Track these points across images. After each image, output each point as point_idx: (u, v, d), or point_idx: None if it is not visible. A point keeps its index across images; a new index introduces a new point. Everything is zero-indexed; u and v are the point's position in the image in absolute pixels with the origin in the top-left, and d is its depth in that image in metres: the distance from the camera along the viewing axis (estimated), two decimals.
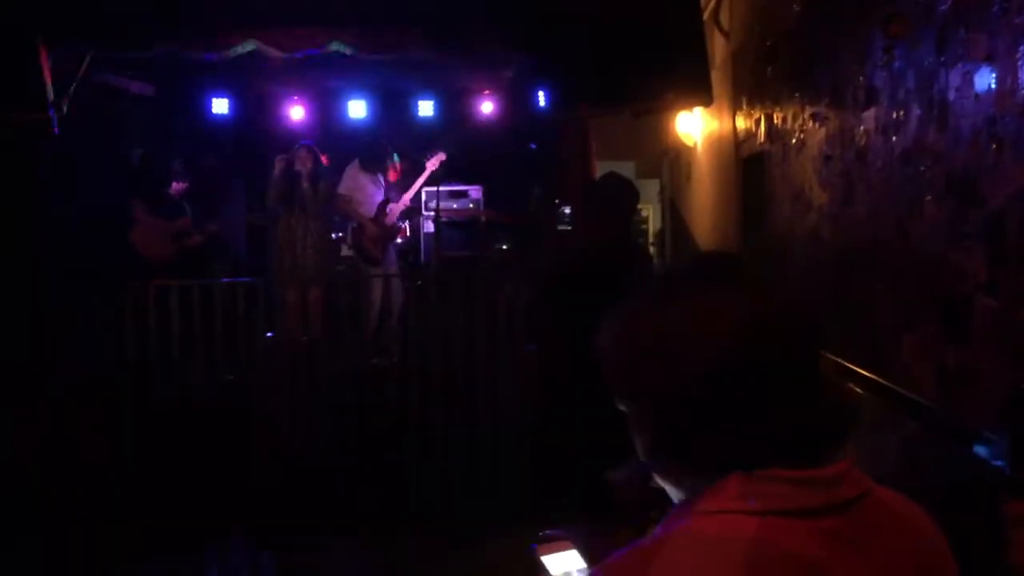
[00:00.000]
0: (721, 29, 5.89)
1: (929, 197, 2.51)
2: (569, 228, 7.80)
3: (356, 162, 7.54)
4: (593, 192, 4.34)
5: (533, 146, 8.17)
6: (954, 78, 2.34)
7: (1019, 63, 1.98)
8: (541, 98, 7.27)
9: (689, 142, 7.47)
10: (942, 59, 2.42)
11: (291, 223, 7.05)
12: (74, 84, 5.51)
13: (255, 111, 8.54)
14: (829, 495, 0.93)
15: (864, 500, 0.96)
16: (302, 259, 7.03)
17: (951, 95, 2.36)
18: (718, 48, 6.05)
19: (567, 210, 8.10)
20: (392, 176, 7.84)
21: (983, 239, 2.16)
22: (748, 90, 5.22)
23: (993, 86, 2.12)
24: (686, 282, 1.05)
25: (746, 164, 5.33)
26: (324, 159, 7.37)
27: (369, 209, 7.42)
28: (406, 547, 5.05)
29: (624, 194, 4.18)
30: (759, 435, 0.94)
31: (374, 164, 7.60)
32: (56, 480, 5.35)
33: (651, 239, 11.71)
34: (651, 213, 11.92)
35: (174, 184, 7.50)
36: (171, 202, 7.47)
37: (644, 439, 1.03)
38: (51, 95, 5.19)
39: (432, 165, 7.50)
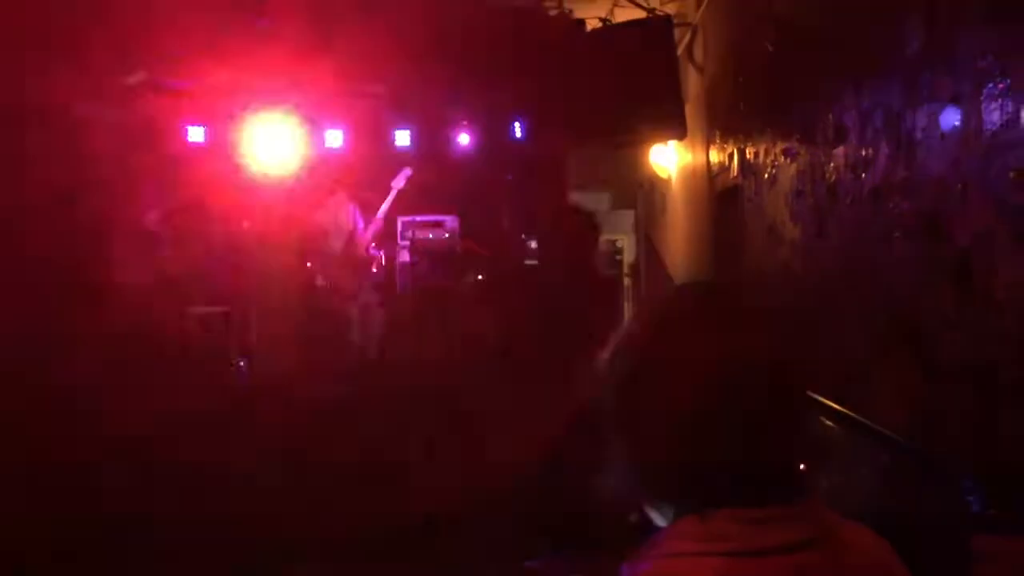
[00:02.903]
0: (695, 64, 5.98)
1: (898, 234, 2.55)
2: (536, 262, 7.83)
3: (334, 193, 7.55)
4: (556, 224, 4.38)
5: (510, 177, 8.21)
6: (921, 118, 2.39)
7: (983, 105, 2.03)
8: (518, 129, 7.34)
9: (664, 174, 7.55)
10: (909, 99, 2.47)
11: (265, 256, 7.06)
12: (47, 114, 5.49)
13: (231, 139, 8.52)
14: (792, 533, 0.95)
15: (828, 537, 0.98)
16: (278, 293, 7.02)
17: (918, 135, 2.41)
18: (692, 82, 6.14)
19: (533, 244, 8.12)
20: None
21: (951, 276, 2.20)
22: (722, 124, 5.30)
23: (958, 127, 2.17)
24: (671, 313, 1.07)
25: (720, 197, 5.39)
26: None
27: (339, 239, 7.42)
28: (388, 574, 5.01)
29: (584, 226, 4.24)
30: (728, 468, 0.95)
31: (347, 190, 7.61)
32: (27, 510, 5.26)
33: (626, 270, 11.76)
34: (626, 244, 11.98)
35: (149, 214, 7.43)
36: (147, 233, 7.41)
37: (629, 467, 1.04)
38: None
39: (398, 183, 7.47)
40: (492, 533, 5.12)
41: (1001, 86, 1.95)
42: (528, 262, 7.86)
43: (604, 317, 4.06)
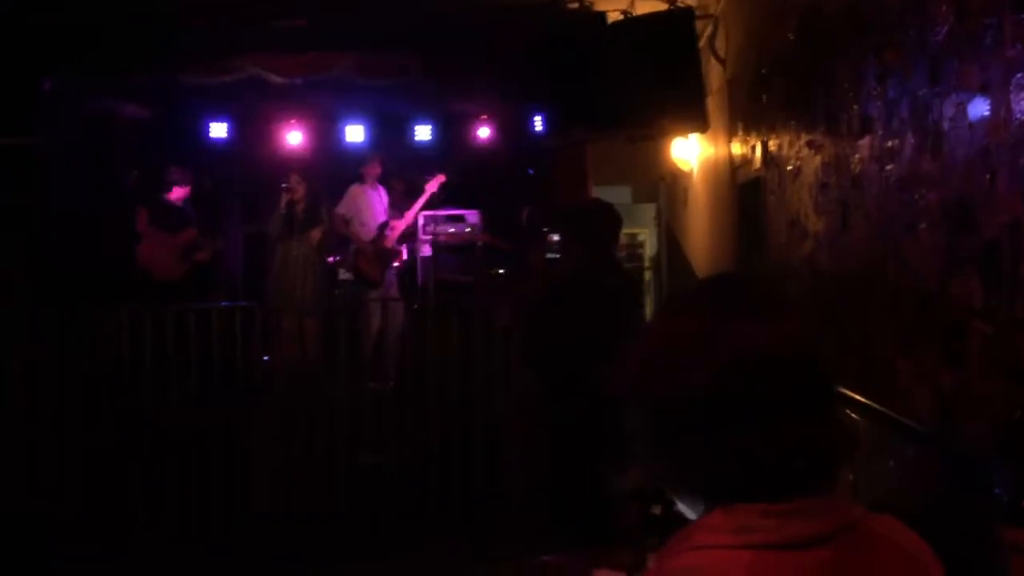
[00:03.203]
0: (717, 56, 5.95)
1: (924, 225, 2.53)
2: (556, 255, 7.84)
3: (358, 182, 7.60)
4: (576, 218, 4.37)
5: (531, 171, 8.21)
6: (948, 108, 2.37)
7: (1012, 94, 2.01)
8: (538, 123, 7.33)
9: (685, 167, 7.52)
10: (936, 89, 2.45)
11: (289, 250, 7.09)
12: (70, 110, 5.56)
13: (253, 134, 8.57)
14: (819, 525, 0.95)
15: (856, 529, 0.97)
16: (301, 288, 7.06)
17: (945, 125, 2.39)
18: (714, 75, 6.11)
19: (555, 237, 8.13)
20: (398, 188, 7.86)
21: (978, 266, 2.18)
22: (744, 116, 5.27)
23: (987, 116, 2.15)
24: (691, 303, 1.07)
25: (742, 190, 5.36)
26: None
27: (369, 230, 7.47)
28: (407, 572, 5.03)
29: (607, 220, 4.23)
30: (754, 460, 0.95)
31: (362, 174, 7.65)
32: (52, 504, 5.33)
33: (647, 263, 11.74)
34: (647, 238, 11.96)
35: (175, 189, 7.39)
36: (175, 210, 7.40)
37: (651, 457, 1.05)
38: (45, 121, 5.23)
39: (432, 187, 7.57)
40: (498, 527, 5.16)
41: None
42: (549, 255, 7.86)
43: (626, 312, 4.05)
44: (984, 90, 2.16)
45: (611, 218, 4.25)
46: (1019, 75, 1.98)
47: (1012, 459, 1.58)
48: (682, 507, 1.07)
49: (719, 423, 0.96)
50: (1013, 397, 1.98)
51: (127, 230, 7.16)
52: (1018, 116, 1.98)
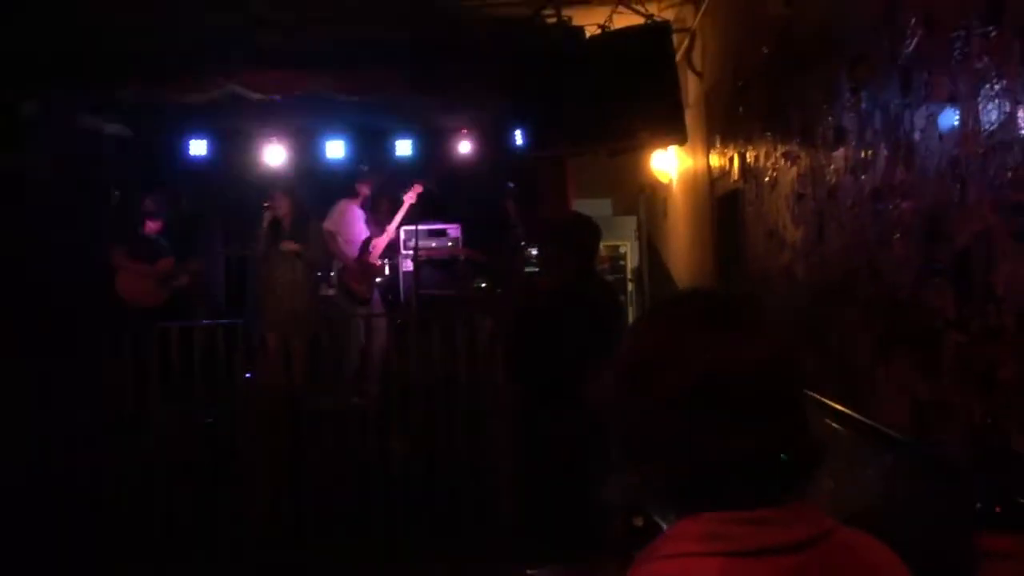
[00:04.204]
0: (694, 69, 6.00)
1: (898, 235, 2.57)
2: (535, 269, 7.86)
3: (347, 198, 7.62)
4: (560, 232, 4.40)
5: (511, 185, 8.24)
6: (919, 119, 2.41)
7: (980, 105, 2.05)
8: (519, 137, 7.35)
9: (665, 180, 7.57)
10: (907, 101, 2.49)
11: (272, 267, 7.08)
12: (52, 129, 5.53)
13: (233, 151, 8.57)
14: (788, 534, 0.96)
15: (826, 539, 0.98)
16: (286, 303, 7.03)
17: (916, 136, 2.43)
18: (692, 87, 6.16)
19: (534, 251, 8.15)
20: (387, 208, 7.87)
21: (951, 276, 2.21)
22: (721, 129, 5.32)
23: (956, 127, 2.18)
24: (665, 317, 1.09)
25: (720, 202, 5.40)
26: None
27: (354, 247, 7.48)
28: None
29: (590, 233, 4.26)
30: (724, 469, 0.97)
31: (353, 191, 7.66)
32: (33, 531, 5.27)
33: (629, 275, 11.77)
34: (629, 250, 12.00)
35: (148, 223, 7.42)
36: (149, 242, 7.43)
37: (627, 468, 1.06)
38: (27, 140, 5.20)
39: (410, 198, 7.59)
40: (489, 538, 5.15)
41: (997, 86, 1.96)
42: (528, 269, 7.89)
43: (610, 324, 4.07)
44: (953, 102, 2.20)
45: (593, 231, 4.28)
46: (986, 87, 2.01)
47: (985, 466, 1.61)
48: (657, 519, 1.08)
49: (692, 434, 0.97)
50: (986, 405, 2.00)
51: (106, 257, 7.14)
52: (986, 127, 2.02)
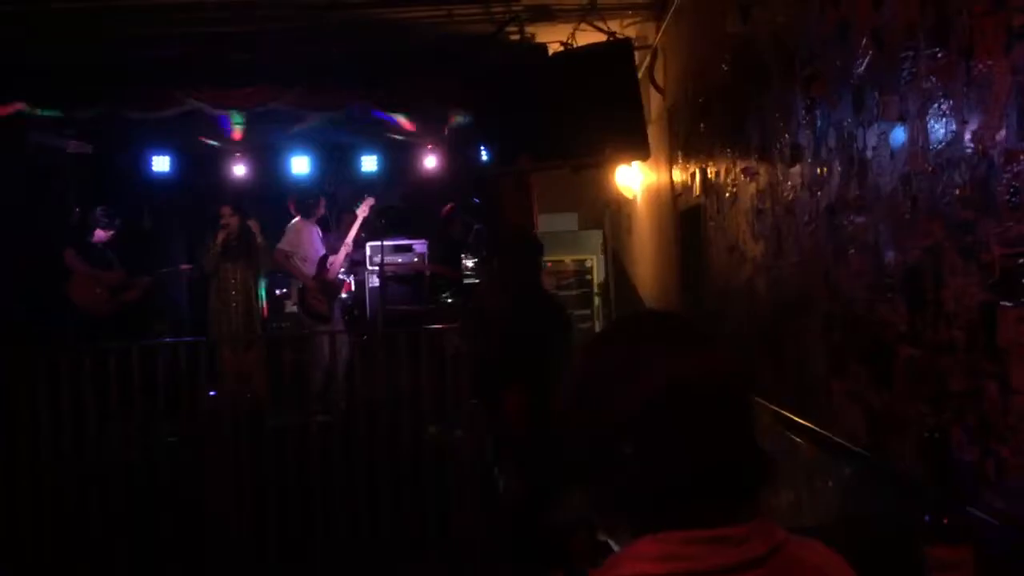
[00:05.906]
0: (656, 86, 6.06)
1: (853, 250, 2.61)
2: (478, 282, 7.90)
3: (299, 217, 7.58)
4: (499, 249, 4.47)
5: (476, 200, 8.26)
6: (871, 137, 2.46)
7: (929, 124, 2.09)
8: (483, 153, 7.38)
9: (629, 195, 7.62)
10: (860, 119, 2.54)
11: (224, 281, 7.05)
12: (13, 145, 5.47)
13: (196, 167, 8.52)
14: (746, 551, 0.97)
15: (778, 554, 1.00)
16: (236, 317, 7.01)
17: (869, 153, 2.47)
18: (654, 104, 6.22)
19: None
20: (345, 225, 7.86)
21: (903, 290, 2.25)
22: (684, 145, 5.37)
23: (906, 145, 2.23)
24: (621, 335, 1.10)
25: (683, 217, 5.45)
26: (254, 225, 7.34)
27: (311, 265, 7.45)
28: None
29: (526, 249, 4.32)
30: (677, 485, 0.98)
31: (308, 210, 7.64)
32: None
33: (596, 289, 11.81)
34: (595, 264, 12.03)
35: (98, 232, 7.33)
36: (99, 251, 7.34)
37: (585, 483, 1.07)
38: None
39: (363, 211, 7.58)
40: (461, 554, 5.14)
41: (944, 106, 2.01)
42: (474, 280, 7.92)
43: (561, 338, 4.11)
44: (903, 120, 2.24)
45: (537, 247, 4.36)
46: (934, 106, 2.06)
47: (935, 478, 1.64)
48: (608, 540, 1.08)
49: (646, 449, 0.98)
50: (936, 417, 2.04)
51: (62, 270, 7.06)
52: (935, 145, 2.07)
